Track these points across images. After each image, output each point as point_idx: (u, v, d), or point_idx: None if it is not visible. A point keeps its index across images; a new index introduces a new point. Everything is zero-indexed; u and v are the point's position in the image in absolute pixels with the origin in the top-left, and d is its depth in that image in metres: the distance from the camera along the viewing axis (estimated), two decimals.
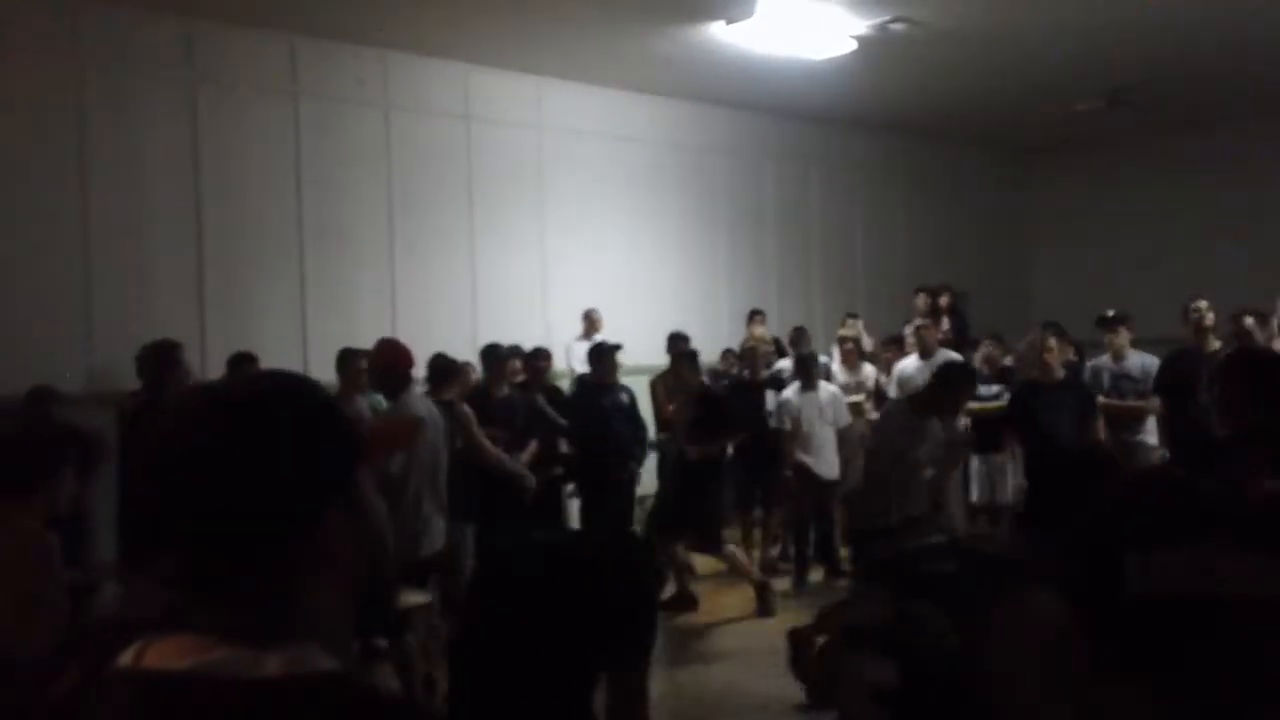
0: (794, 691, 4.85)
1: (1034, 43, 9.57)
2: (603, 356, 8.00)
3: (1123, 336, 7.55)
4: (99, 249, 7.80)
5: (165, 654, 1.03)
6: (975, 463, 7.99)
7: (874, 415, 8.27)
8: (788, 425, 7.98)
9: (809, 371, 8.06)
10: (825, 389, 8.12)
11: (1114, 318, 7.60)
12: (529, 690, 2.55)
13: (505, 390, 7.50)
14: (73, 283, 7.67)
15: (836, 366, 8.91)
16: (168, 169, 8.21)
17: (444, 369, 6.54)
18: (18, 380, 6.58)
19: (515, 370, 7.97)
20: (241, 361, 7.01)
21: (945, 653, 1.82)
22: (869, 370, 9.02)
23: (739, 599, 7.48)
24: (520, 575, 2.69)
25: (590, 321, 9.88)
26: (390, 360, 5.67)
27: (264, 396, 1.12)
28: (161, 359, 6.12)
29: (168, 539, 1.05)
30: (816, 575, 8.08)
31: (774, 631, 5.95)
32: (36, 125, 7.56)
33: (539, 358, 8.24)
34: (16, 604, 3.34)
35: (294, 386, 1.18)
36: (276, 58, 8.76)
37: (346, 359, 6.82)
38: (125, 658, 1.05)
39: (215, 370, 7.43)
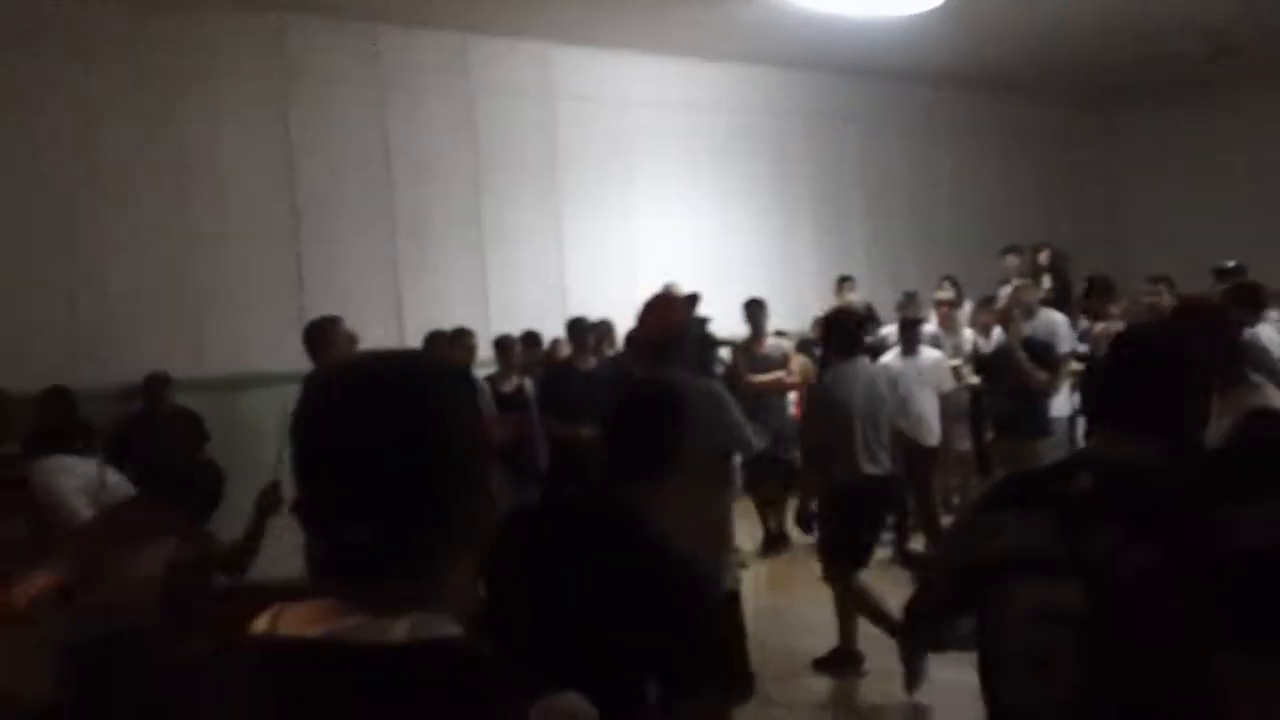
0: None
1: None
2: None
3: None
4: (200, 238, 8.05)
5: (299, 620, 1.07)
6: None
7: (973, 379, 8.15)
8: None
9: (910, 336, 7.94)
10: (926, 354, 7.97)
11: (1234, 269, 7.35)
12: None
13: (591, 363, 7.52)
14: (177, 272, 7.93)
15: (935, 330, 8.77)
16: (260, 163, 8.38)
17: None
18: (134, 367, 7.28)
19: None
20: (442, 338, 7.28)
21: (1135, 566, 1.69)
22: (968, 334, 8.86)
23: None
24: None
25: None
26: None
27: (451, 382, 1.17)
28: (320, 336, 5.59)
29: (360, 513, 1.07)
30: (917, 543, 7.98)
31: None
32: (133, 123, 7.77)
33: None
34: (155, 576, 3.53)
35: (466, 375, 1.28)
36: (361, 47, 8.87)
37: (439, 340, 7.14)
38: (260, 623, 1.09)
39: None
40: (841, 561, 5.61)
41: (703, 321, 8.06)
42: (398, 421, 1.08)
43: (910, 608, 2.23)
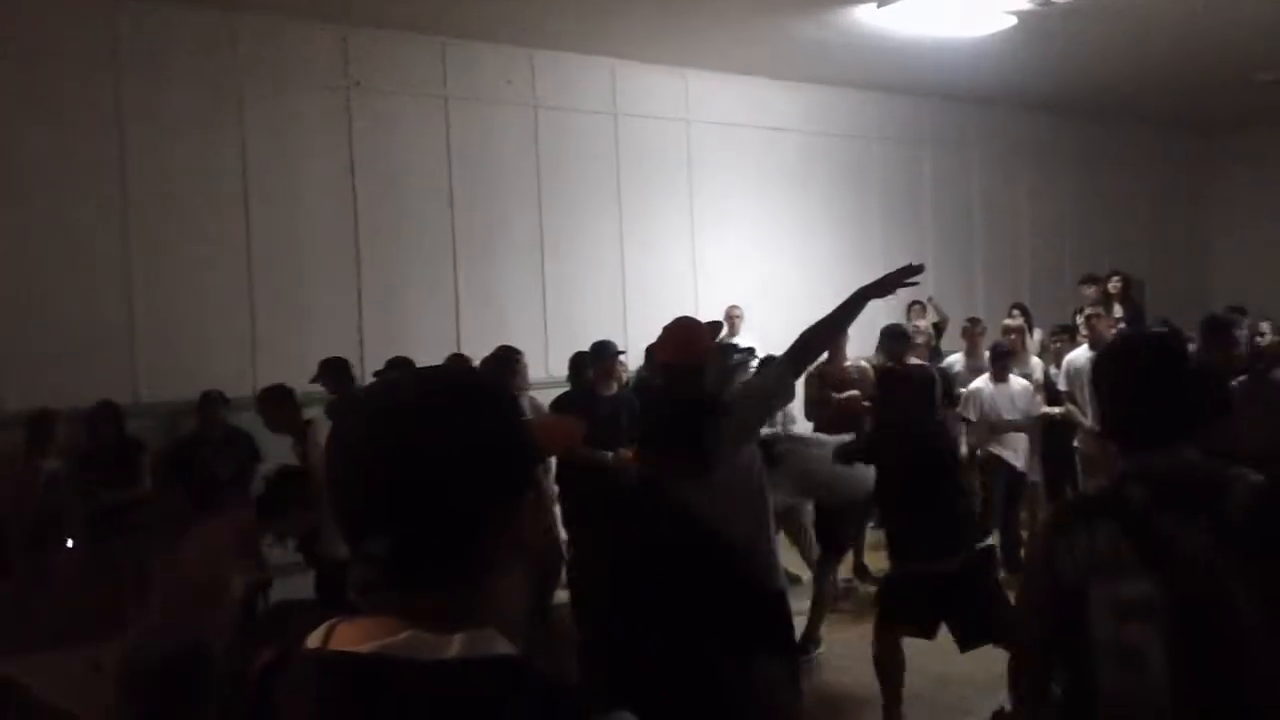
0: None
1: (1207, 10, 8.94)
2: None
3: None
4: (261, 255, 8.00)
5: (352, 636, 1.08)
6: None
7: (1045, 409, 7.98)
8: (973, 416, 7.81)
9: (1003, 363, 7.89)
10: (1016, 381, 7.92)
11: None
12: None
13: (613, 389, 7.37)
14: (237, 290, 7.91)
15: None
16: (325, 175, 8.39)
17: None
18: (191, 386, 7.25)
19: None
20: (397, 367, 7.13)
21: (1192, 549, 1.86)
22: (1036, 362, 8.61)
23: None
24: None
25: (732, 321, 9.64)
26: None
27: (470, 392, 1.16)
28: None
29: (379, 525, 1.07)
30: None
31: None
32: (197, 137, 7.82)
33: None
34: (214, 594, 3.50)
35: (490, 385, 1.25)
36: (428, 61, 8.89)
37: (507, 357, 7.01)
38: (314, 638, 1.10)
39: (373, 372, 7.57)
40: None
41: (749, 350, 7.82)
42: (411, 434, 1.08)
43: (1015, 688, 2.25)
